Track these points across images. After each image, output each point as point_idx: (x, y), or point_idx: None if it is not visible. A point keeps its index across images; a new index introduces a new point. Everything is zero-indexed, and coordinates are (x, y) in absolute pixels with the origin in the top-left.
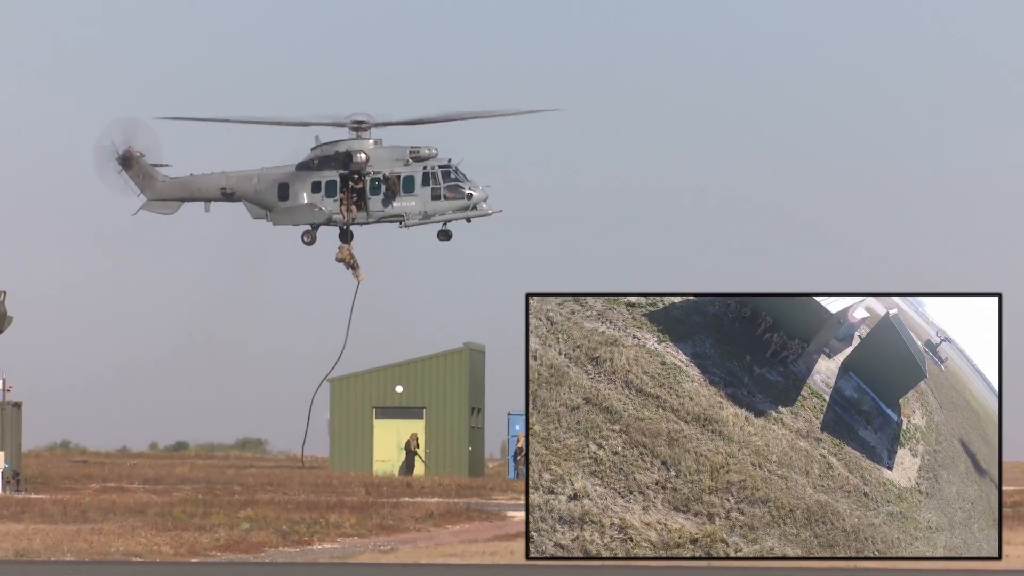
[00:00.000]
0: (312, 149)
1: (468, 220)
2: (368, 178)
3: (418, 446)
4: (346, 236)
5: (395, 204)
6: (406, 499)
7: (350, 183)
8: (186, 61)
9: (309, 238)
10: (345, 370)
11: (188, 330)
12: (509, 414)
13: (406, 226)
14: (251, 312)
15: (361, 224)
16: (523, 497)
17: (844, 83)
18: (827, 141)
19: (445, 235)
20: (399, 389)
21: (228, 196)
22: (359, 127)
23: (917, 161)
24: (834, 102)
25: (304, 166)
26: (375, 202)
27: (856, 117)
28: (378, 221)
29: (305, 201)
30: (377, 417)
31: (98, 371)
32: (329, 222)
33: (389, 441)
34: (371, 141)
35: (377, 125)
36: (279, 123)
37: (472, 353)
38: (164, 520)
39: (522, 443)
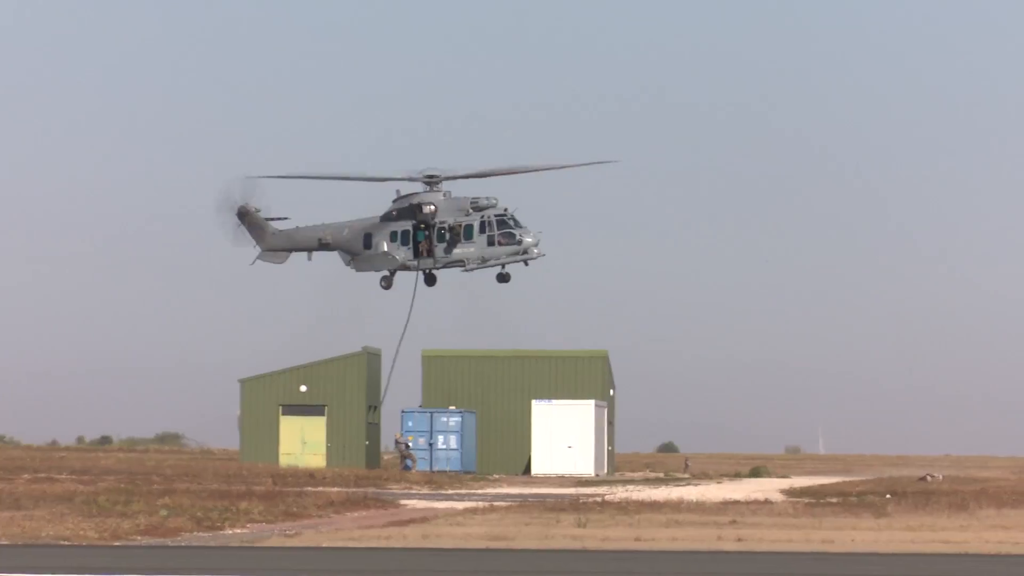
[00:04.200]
0: (393, 202)
1: (526, 263)
2: (435, 227)
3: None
4: (430, 280)
5: (456, 251)
6: (309, 488)
7: (420, 232)
8: (281, 124)
9: (386, 283)
10: (254, 371)
11: (117, 338)
12: (402, 411)
13: (468, 270)
14: (172, 321)
15: (429, 270)
16: (414, 488)
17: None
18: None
19: (503, 278)
20: (303, 388)
21: (325, 246)
22: (431, 180)
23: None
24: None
25: (386, 217)
26: (440, 249)
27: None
28: (444, 266)
29: (384, 249)
30: (283, 414)
31: (31, 372)
32: (404, 268)
33: (294, 436)
34: (441, 193)
35: (447, 178)
36: (366, 179)
37: (369, 356)
38: (89, 507)
39: (400, 437)
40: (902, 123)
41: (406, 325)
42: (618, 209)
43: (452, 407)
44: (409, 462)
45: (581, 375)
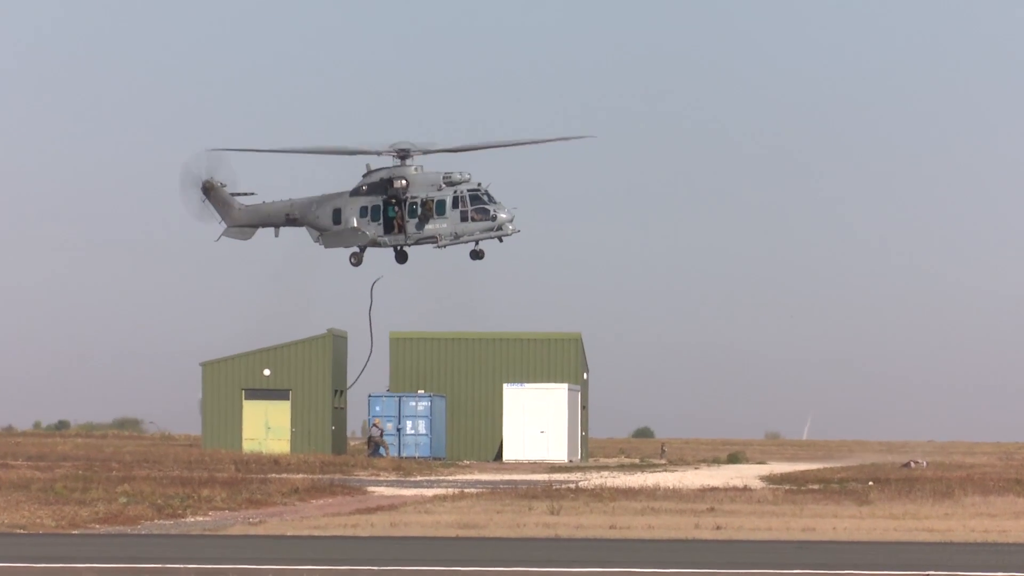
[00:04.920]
0: (363, 176)
1: (500, 240)
2: (407, 202)
3: (382, 433)
4: (401, 257)
5: (428, 226)
6: (273, 475)
7: (391, 208)
8: (249, 96)
9: (356, 260)
10: (216, 354)
11: (74, 323)
12: (370, 396)
13: (441, 247)
14: (131, 302)
15: (401, 246)
16: (382, 474)
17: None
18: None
19: (477, 255)
20: (267, 372)
21: (292, 221)
22: (403, 154)
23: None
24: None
25: (355, 192)
26: (411, 225)
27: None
28: (416, 243)
29: (353, 225)
30: (246, 399)
31: None
32: (374, 244)
33: (257, 421)
34: (412, 168)
35: (419, 152)
36: (334, 152)
37: (335, 338)
38: (46, 495)
39: (378, 422)
40: (874, 119)
41: (371, 308)
42: (594, 187)
43: (421, 391)
44: (383, 449)
45: (554, 358)
